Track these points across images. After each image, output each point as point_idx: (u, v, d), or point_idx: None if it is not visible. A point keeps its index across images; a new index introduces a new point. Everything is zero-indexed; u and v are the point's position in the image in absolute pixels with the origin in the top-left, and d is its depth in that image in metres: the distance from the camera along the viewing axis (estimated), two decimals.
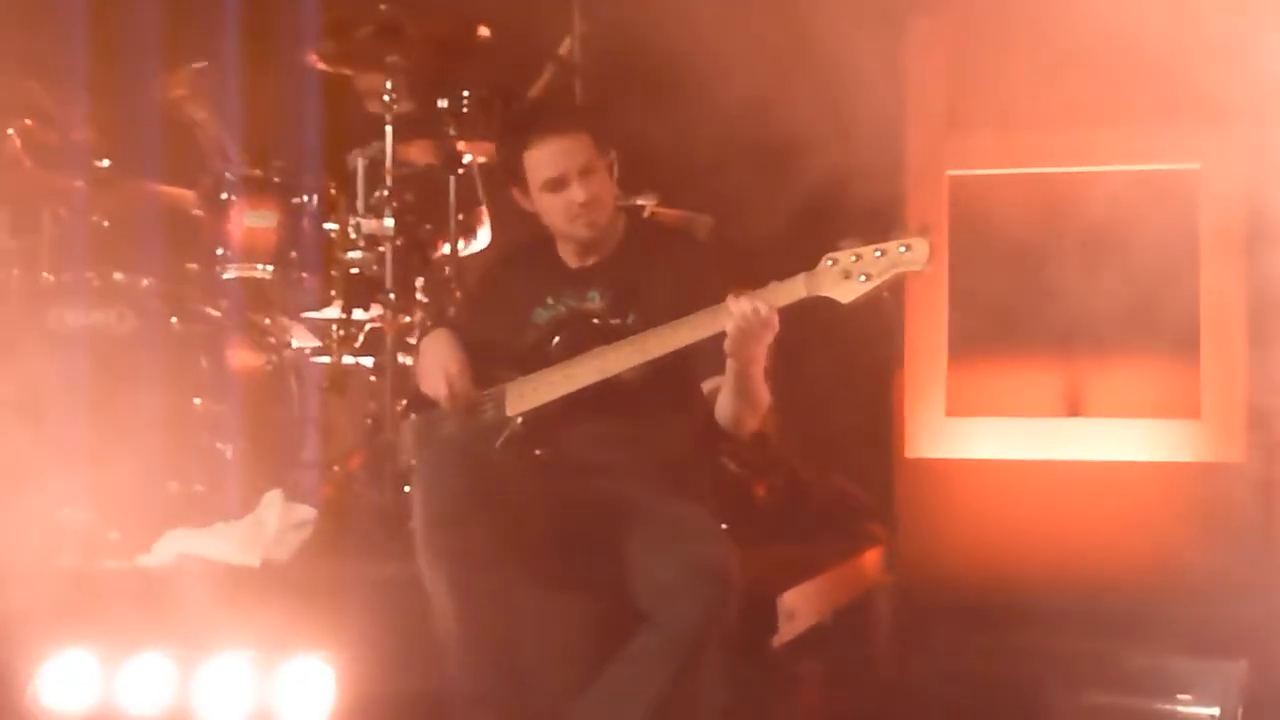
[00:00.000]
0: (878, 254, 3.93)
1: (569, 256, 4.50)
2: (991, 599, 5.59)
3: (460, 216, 5.81)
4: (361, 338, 5.86)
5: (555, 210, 4.37)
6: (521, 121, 4.64)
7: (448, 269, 5.77)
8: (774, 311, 3.98)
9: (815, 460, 6.18)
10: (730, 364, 4.07)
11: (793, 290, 4.02)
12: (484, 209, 6.02)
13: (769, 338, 4.02)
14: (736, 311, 3.95)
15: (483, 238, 6.07)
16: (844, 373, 6.28)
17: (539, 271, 4.52)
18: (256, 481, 5.35)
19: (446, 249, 5.78)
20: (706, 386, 4.24)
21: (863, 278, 3.92)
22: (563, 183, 4.32)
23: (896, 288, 4.05)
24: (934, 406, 6.00)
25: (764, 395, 4.16)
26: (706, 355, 4.13)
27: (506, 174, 4.43)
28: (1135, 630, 5.38)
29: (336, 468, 5.70)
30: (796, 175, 5.86)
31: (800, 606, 4.62)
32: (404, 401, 4.84)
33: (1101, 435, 5.85)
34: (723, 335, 3.99)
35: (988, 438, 5.96)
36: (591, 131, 4.36)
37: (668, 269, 4.40)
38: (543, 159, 4.34)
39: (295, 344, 5.95)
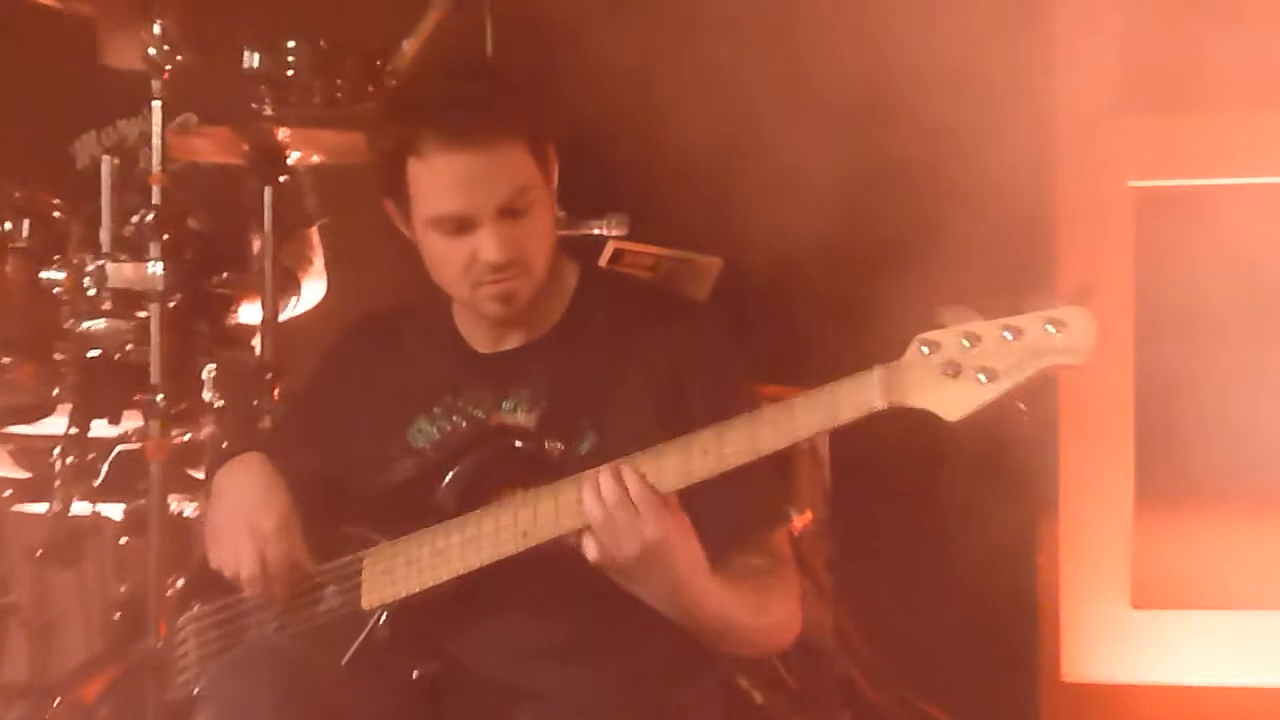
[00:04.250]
0: (1008, 335, 2.92)
1: (475, 332, 3.44)
2: None
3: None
4: (105, 470, 4.48)
5: (448, 264, 3.30)
6: (413, 94, 3.49)
7: (259, 346, 4.53)
8: (649, 493, 3.04)
9: (903, 681, 4.88)
10: None
11: (862, 396, 3.00)
12: (316, 241, 4.89)
13: (650, 530, 3.04)
14: (588, 496, 3.09)
15: (314, 289, 4.98)
16: (958, 537, 4.93)
17: (422, 356, 3.51)
18: None
19: (256, 311, 4.53)
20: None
21: (982, 376, 2.92)
22: (467, 225, 3.24)
23: (1044, 392, 3.48)
24: (1111, 593, 5.03)
25: (723, 609, 3.18)
26: (710, 510, 3.21)
27: (380, 177, 3.37)
28: None
29: (59, 700, 4.36)
30: (864, 185, 4.63)
31: None
32: (180, 581, 3.92)
33: None
34: (731, 473, 3.07)
35: (1198, 644, 4.92)
36: (531, 137, 3.24)
37: (643, 356, 3.38)
38: (438, 180, 3.23)
39: None
